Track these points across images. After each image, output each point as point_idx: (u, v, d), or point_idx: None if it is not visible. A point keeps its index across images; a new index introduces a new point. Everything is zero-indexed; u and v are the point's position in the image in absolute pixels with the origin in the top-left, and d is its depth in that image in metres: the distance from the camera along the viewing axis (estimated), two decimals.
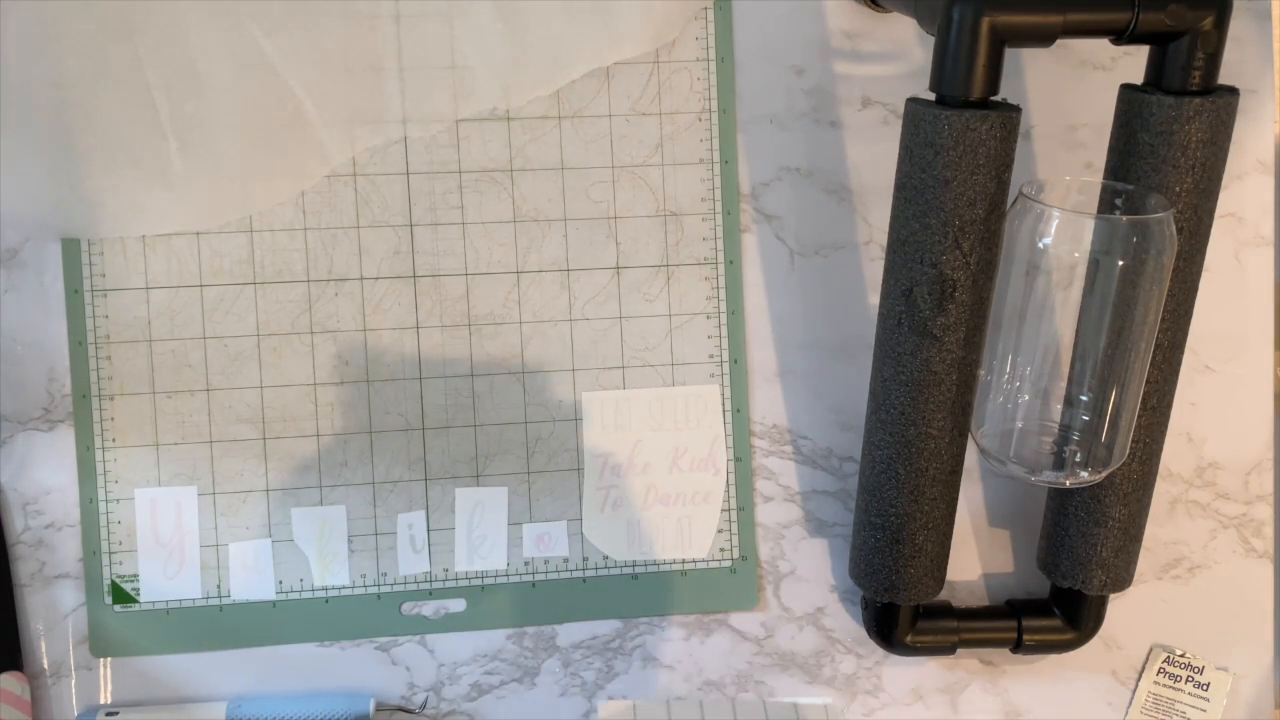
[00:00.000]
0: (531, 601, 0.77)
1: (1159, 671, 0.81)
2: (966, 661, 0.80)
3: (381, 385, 0.76)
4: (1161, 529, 0.81)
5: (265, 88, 0.72)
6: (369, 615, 0.76)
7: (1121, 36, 0.62)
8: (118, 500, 0.74)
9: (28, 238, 0.73)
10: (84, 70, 0.71)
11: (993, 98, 0.62)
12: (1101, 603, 0.77)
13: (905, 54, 0.77)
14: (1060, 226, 0.65)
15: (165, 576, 0.75)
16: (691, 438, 0.78)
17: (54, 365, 0.73)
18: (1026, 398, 0.71)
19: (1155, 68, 0.65)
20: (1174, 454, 0.80)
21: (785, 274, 0.78)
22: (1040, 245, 0.65)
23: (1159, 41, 0.64)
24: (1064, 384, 0.71)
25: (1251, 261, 0.80)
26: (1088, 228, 0.65)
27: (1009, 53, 0.62)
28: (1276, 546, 0.82)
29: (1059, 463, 0.71)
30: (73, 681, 0.75)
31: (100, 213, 0.72)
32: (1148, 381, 0.69)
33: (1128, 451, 0.70)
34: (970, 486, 0.80)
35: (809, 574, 0.79)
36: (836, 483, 0.79)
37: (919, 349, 0.66)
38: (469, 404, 0.76)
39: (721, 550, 0.78)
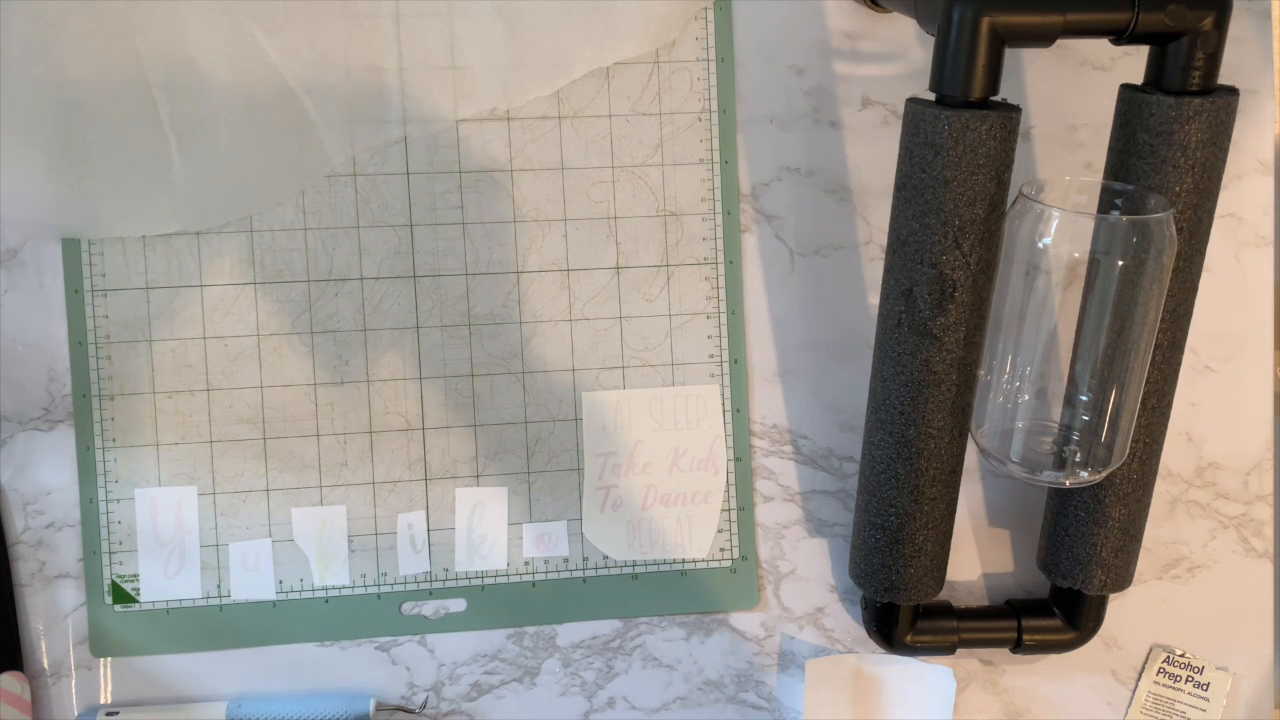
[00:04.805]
0: (531, 601, 0.77)
1: (1159, 671, 0.81)
2: (966, 661, 0.80)
3: (381, 385, 0.76)
4: (1161, 529, 0.81)
5: (265, 88, 0.72)
6: (369, 615, 0.76)
7: (1121, 36, 0.62)
8: (118, 500, 0.74)
9: (28, 238, 0.73)
10: (84, 70, 0.71)
11: (993, 98, 0.62)
12: (1101, 603, 0.77)
13: (905, 54, 0.77)
14: (1060, 226, 0.65)
15: (165, 576, 0.75)
16: (691, 438, 0.78)
17: (54, 365, 0.73)
18: (1026, 398, 0.71)
19: (1155, 68, 0.65)
20: (1174, 454, 0.80)
21: (785, 274, 0.78)
22: (1040, 245, 0.65)
23: (1159, 41, 0.64)
24: (1064, 384, 0.71)
25: (1251, 261, 0.80)
26: (1088, 228, 0.65)
27: (1009, 53, 0.62)
28: (1276, 546, 0.82)
29: (1059, 463, 0.71)
30: (73, 681, 0.75)
31: (100, 213, 0.72)
32: (1148, 381, 0.69)
33: (1128, 451, 0.70)
34: (970, 486, 0.80)
35: (809, 574, 0.79)
36: (836, 483, 0.79)
37: (919, 349, 0.66)
38: (469, 404, 0.76)
39: (721, 550, 0.78)
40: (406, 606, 0.77)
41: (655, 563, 0.78)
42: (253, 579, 0.75)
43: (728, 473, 0.78)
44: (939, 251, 0.64)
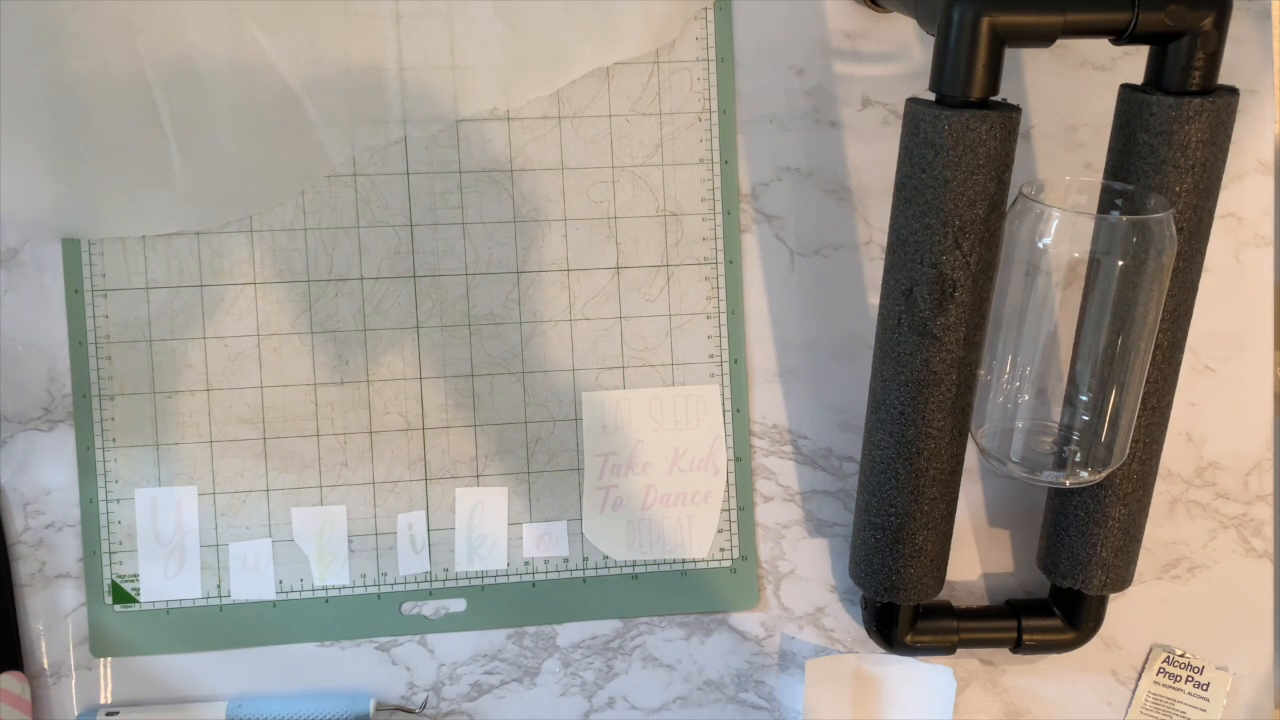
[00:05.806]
0: (531, 601, 0.77)
1: (1159, 671, 0.81)
2: (966, 661, 0.80)
3: (381, 385, 0.76)
4: (1161, 529, 0.81)
5: (265, 88, 0.72)
6: (369, 615, 0.76)
7: (1121, 36, 0.62)
8: (118, 500, 0.74)
9: (28, 238, 0.73)
10: (84, 70, 0.71)
11: (993, 98, 0.62)
12: (1101, 603, 0.77)
13: (905, 54, 0.77)
14: (1060, 226, 0.65)
15: (165, 576, 0.75)
16: (691, 438, 0.78)
17: (54, 365, 0.74)
18: (1026, 398, 0.71)
19: (1155, 68, 0.65)
20: (1174, 454, 0.80)
21: (785, 274, 0.78)
22: (1040, 245, 0.65)
23: (1159, 41, 0.64)
24: (1064, 384, 0.71)
25: (1251, 261, 0.80)
26: (1088, 228, 0.65)
27: (1009, 53, 0.62)
28: (1276, 546, 0.82)
29: (1059, 463, 0.71)
30: (73, 681, 0.75)
31: (100, 213, 0.72)
32: (1148, 381, 0.69)
33: (1128, 451, 0.70)
34: (970, 486, 0.80)
35: (809, 574, 0.79)
36: (836, 483, 0.79)
37: (919, 349, 0.66)
38: (469, 404, 0.76)
39: (721, 550, 0.78)
40: (406, 606, 0.77)
41: (655, 563, 0.78)
42: (253, 579, 0.75)
43: (728, 473, 0.78)
44: (939, 251, 0.64)
